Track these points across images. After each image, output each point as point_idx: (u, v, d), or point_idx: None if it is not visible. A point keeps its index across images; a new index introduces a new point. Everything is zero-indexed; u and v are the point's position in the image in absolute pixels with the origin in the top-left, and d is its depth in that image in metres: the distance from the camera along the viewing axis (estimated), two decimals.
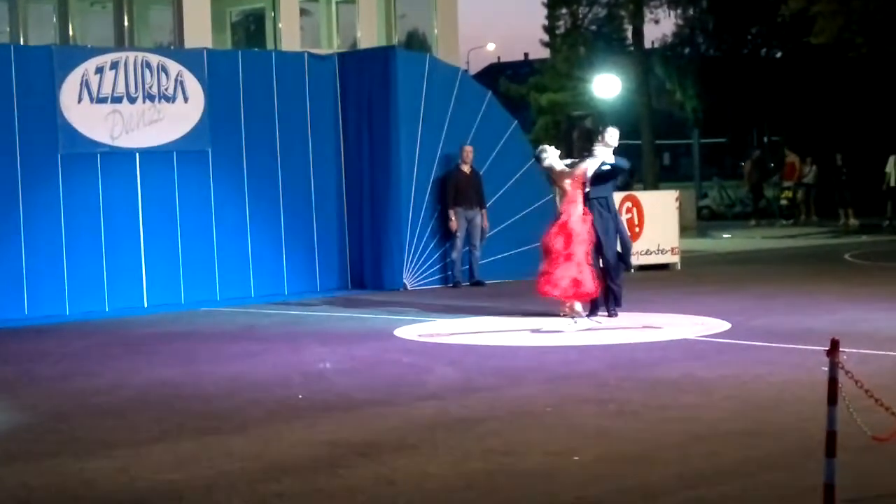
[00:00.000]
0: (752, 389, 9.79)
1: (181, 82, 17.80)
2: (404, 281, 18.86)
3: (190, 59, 18.18)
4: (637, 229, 20.41)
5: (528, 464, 7.61)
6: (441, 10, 28.50)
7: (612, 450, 7.92)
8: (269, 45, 26.41)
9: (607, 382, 10.31)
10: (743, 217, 35.57)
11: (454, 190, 18.95)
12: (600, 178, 14.51)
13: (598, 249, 14.34)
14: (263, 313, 16.45)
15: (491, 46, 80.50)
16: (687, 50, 46.33)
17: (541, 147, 14.91)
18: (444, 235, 19.16)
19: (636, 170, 35.99)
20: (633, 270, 17.96)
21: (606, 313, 14.49)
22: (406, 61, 19.27)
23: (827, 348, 6.27)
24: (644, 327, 13.76)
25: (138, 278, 17.38)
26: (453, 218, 18.90)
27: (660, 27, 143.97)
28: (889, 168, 31.31)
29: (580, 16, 42.68)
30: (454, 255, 19.07)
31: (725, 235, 29.62)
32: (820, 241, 27.45)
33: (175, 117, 17.72)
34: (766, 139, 47.17)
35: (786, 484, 6.99)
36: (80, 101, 16.93)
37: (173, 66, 17.79)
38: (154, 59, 17.77)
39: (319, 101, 19.14)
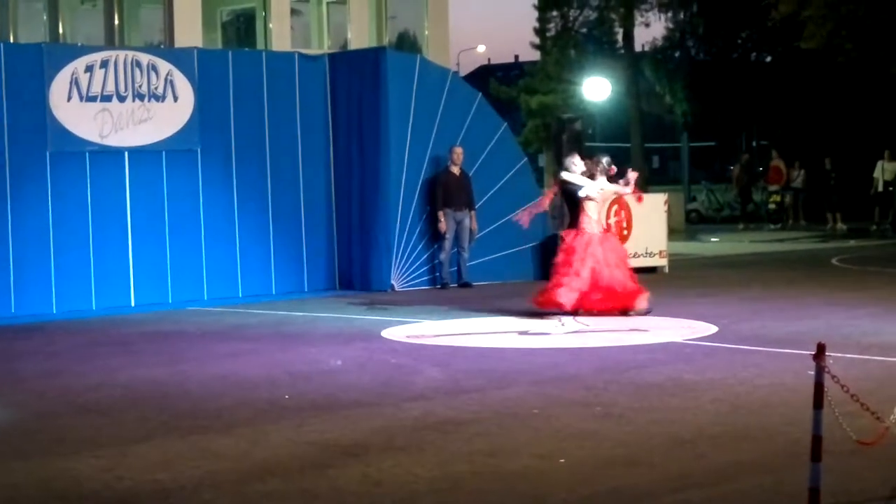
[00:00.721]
0: (739, 393, 9.81)
1: (171, 81, 17.79)
2: (392, 282, 18.86)
3: (180, 58, 18.17)
4: (625, 232, 20.43)
5: (515, 466, 7.62)
6: (432, 12, 28.52)
7: (598, 452, 7.93)
8: (260, 45, 26.39)
9: (594, 385, 10.32)
10: (731, 221, 35.62)
11: (443, 191, 18.96)
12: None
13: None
14: (251, 313, 16.43)
15: (481, 48, 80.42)
16: (677, 53, 46.37)
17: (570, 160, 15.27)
18: (433, 237, 19.16)
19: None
20: None
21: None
22: (396, 62, 19.27)
23: (813, 352, 6.29)
24: (631, 330, 13.77)
25: (126, 277, 17.36)
26: (442, 219, 18.91)
27: (650, 31, 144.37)
28: (877, 173, 31.42)
29: (571, 18, 42.72)
30: (442, 256, 19.08)
31: (713, 239, 29.66)
32: (808, 245, 27.51)
33: (164, 116, 17.71)
34: (755, 143, 47.25)
35: (772, 487, 7.00)
36: (69, 99, 16.91)
37: (163, 66, 17.78)
38: (144, 58, 17.76)
39: (309, 101, 19.13)
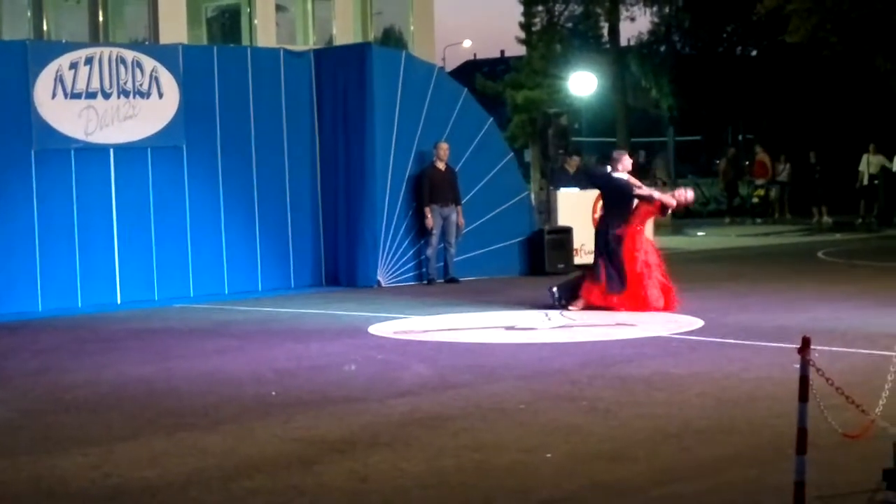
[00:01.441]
0: (725, 387, 9.84)
1: (156, 78, 17.76)
2: (379, 278, 18.85)
3: (165, 54, 18.14)
4: None
5: (502, 461, 7.63)
6: (417, 7, 28.51)
7: (584, 447, 7.95)
8: (245, 41, 26.37)
9: (580, 380, 10.34)
10: (717, 215, 35.67)
11: (429, 187, 18.96)
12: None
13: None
14: (237, 310, 16.42)
15: (467, 43, 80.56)
16: (662, 48, 46.43)
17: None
18: (419, 232, 19.16)
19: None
20: None
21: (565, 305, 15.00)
22: (382, 58, 19.26)
23: (799, 346, 6.30)
24: (617, 324, 13.80)
25: (112, 274, 17.33)
26: (429, 215, 18.91)
27: (635, 25, 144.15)
28: (862, 166, 31.49)
29: (556, 13, 42.73)
30: (429, 252, 19.08)
31: (699, 233, 29.70)
32: (793, 239, 27.57)
33: (150, 113, 17.67)
34: (740, 137, 47.32)
35: (757, 480, 7.02)
36: (53, 96, 16.86)
37: (148, 62, 17.74)
38: (129, 54, 17.72)
39: (295, 97, 19.12)
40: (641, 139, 46.15)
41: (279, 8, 28.10)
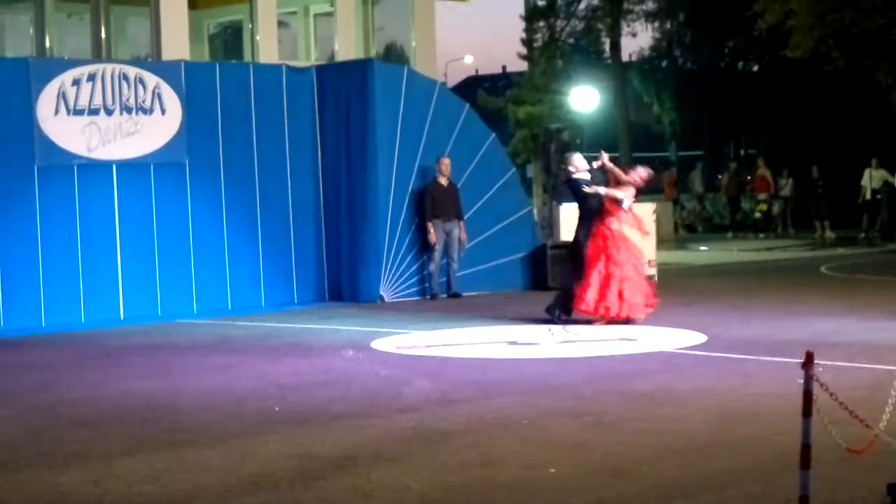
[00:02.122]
0: (728, 402, 9.81)
1: (158, 94, 17.78)
2: (382, 293, 18.84)
3: (167, 71, 18.16)
4: None
5: (505, 476, 7.61)
6: (419, 23, 28.50)
7: (588, 462, 7.93)
8: (247, 57, 26.35)
9: (584, 395, 10.31)
10: (720, 229, 35.66)
11: (432, 202, 18.96)
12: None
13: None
14: (240, 325, 16.41)
15: (469, 59, 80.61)
16: (664, 63, 46.48)
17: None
18: (422, 247, 19.16)
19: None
20: None
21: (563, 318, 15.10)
22: (384, 74, 19.28)
23: (802, 361, 6.29)
24: (621, 339, 13.77)
25: (115, 290, 17.33)
26: (431, 230, 18.90)
27: (637, 40, 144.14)
28: (865, 181, 31.47)
29: (558, 29, 42.75)
30: (432, 267, 19.07)
31: (703, 248, 29.69)
32: (796, 253, 27.55)
33: (152, 129, 17.69)
34: (742, 152, 47.34)
35: (761, 496, 7.00)
36: (56, 112, 16.88)
37: (150, 79, 17.76)
38: (131, 71, 17.75)
39: (297, 113, 19.13)
40: (644, 154, 46.17)
41: (281, 24, 28.11)
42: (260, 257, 18.65)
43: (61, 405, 10.64)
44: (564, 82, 40.14)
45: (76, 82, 17.06)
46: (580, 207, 15.58)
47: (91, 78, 17.22)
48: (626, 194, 15.13)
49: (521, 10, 41.40)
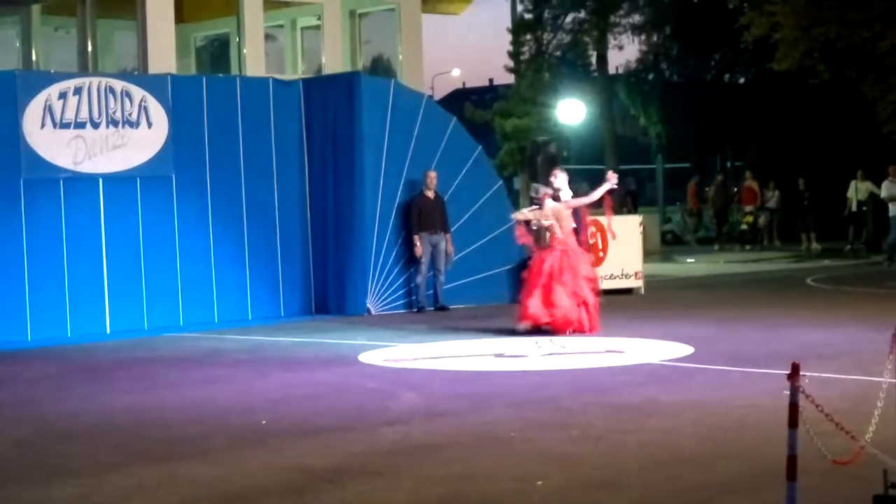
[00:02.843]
0: (715, 413, 9.83)
1: (145, 108, 17.77)
2: (368, 306, 18.84)
3: (154, 84, 18.15)
4: (601, 254, 20.47)
5: (492, 489, 7.61)
6: (405, 37, 28.53)
7: (575, 475, 7.93)
8: (234, 70, 26.36)
9: (571, 407, 10.32)
10: (707, 241, 35.72)
11: (418, 215, 18.97)
12: None
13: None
14: (227, 339, 16.39)
15: (456, 72, 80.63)
16: (651, 76, 46.55)
17: (534, 186, 16.43)
18: (409, 260, 19.16)
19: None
20: None
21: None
22: (371, 87, 19.30)
23: (788, 372, 6.30)
24: (607, 351, 13.79)
25: (101, 304, 17.29)
26: (418, 243, 18.91)
27: (624, 53, 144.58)
28: (851, 193, 31.54)
29: (544, 42, 42.80)
30: (419, 279, 19.08)
31: (689, 260, 29.74)
32: (783, 265, 27.60)
33: (139, 143, 17.68)
34: (729, 164, 47.42)
35: None
36: (42, 126, 16.86)
37: (137, 92, 17.76)
38: (118, 84, 17.73)
39: (284, 126, 19.14)
40: (631, 166, 46.24)
41: (268, 37, 28.12)
42: (247, 270, 18.63)
43: (48, 419, 10.62)
44: (551, 95, 40.22)
45: (62, 95, 17.05)
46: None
47: (77, 91, 17.21)
48: (551, 223, 15.62)
49: (508, 23, 41.52)
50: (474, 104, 43.99)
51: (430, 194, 19.08)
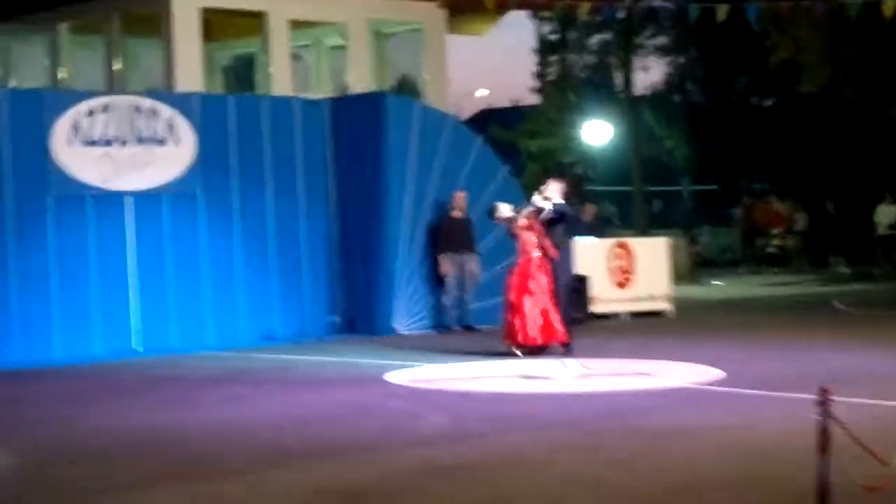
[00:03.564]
0: (745, 438, 9.74)
1: (172, 126, 17.82)
2: (395, 326, 18.81)
3: (181, 102, 18.21)
4: (629, 276, 20.38)
5: None
6: (431, 57, 28.55)
7: (602, 499, 7.87)
8: (260, 89, 26.44)
9: (599, 430, 10.25)
10: (735, 264, 35.58)
11: (445, 235, 18.95)
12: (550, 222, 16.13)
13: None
14: (253, 357, 16.38)
15: (482, 92, 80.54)
16: (677, 97, 46.51)
17: (492, 205, 16.58)
18: (436, 280, 19.13)
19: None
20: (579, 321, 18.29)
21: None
22: (397, 107, 19.32)
23: (818, 397, 6.24)
24: (636, 374, 13.71)
25: (128, 322, 17.32)
26: (443, 262, 18.88)
27: (649, 75, 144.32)
28: (878, 217, 31.40)
29: (570, 63, 42.86)
30: (445, 299, 19.04)
31: (717, 282, 29.61)
32: (811, 288, 27.46)
33: (166, 161, 17.73)
34: (756, 187, 47.30)
35: None
36: (70, 143, 16.92)
37: (164, 110, 17.81)
38: (145, 102, 17.80)
39: (310, 145, 19.16)
40: (657, 188, 46.15)
41: (295, 57, 28.18)
42: (273, 289, 18.63)
43: (73, 438, 10.61)
44: (577, 116, 40.21)
45: (90, 113, 17.12)
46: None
47: (105, 109, 17.28)
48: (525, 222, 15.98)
49: (532, 44, 41.57)
50: (500, 124, 44.04)
51: (458, 214, 19.06)
